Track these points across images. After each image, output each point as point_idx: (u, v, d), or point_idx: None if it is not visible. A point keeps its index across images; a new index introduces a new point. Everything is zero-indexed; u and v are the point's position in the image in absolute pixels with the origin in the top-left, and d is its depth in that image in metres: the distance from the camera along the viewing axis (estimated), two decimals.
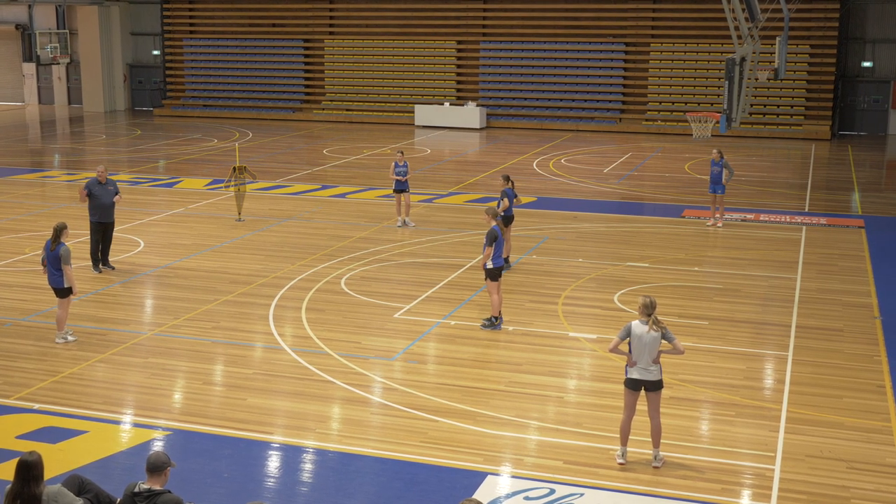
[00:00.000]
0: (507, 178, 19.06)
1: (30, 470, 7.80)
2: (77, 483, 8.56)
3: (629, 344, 10.56)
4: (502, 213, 18.47)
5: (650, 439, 10.75)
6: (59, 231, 14.23)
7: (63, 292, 14.29)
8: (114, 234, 18.84)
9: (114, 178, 29.16)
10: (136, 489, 7.95)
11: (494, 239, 14.93)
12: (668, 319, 15.46)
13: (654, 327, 10.43)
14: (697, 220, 23.40)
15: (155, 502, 7.89)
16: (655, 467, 10.61)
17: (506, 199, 18.51)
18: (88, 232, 18.60)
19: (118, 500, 8.34)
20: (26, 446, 10.37)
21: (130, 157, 34.32)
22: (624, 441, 10.74)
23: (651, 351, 10.44)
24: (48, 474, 8.38)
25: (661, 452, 10.73)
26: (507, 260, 18.15)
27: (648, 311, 10.49)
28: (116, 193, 18.48)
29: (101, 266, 18.36)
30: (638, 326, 10.51)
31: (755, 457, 10.95)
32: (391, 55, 45.67)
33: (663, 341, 10.50)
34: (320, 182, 28.80)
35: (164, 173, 30.27)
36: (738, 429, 11.70)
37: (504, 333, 15.08)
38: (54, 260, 14.15)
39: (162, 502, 7.89)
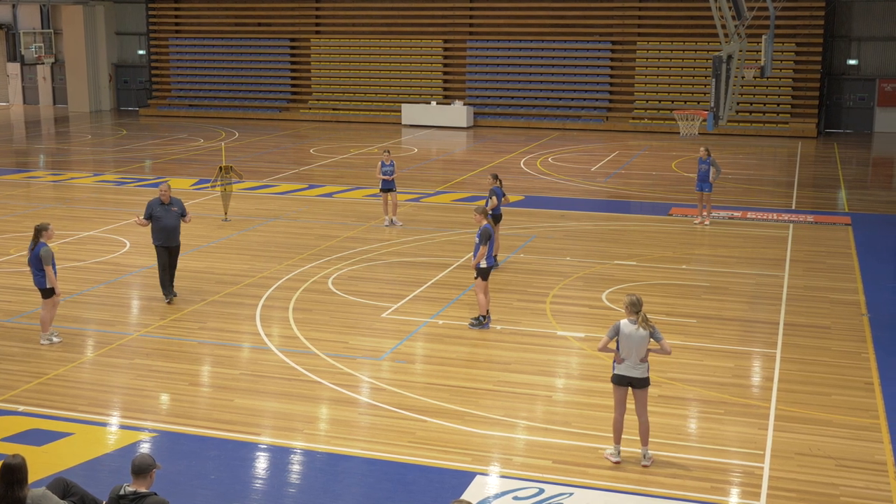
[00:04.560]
0: (495, 177, 19.03)
1: (13, 473, 7.72)
2: (62, 486, 8.48)
3: (617, 342, 10.54)
4: (490, 212, 18.42)
5: (638, 438, 10.72)
6: (39, 231, 14.10)
7: (46, 293, 14.18)
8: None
9: (99, 178, 29.18)
10: (122, 492, 7.87)
11: (489, 237, 14.90)
12: (655, 318, 15.45)
13: (644, 325, 10.41)
14: (685, 219, 23.41)
15: None
16: (644, 466, 10.58)
17: (494, 198, 18.48)
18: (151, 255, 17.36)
19: (104, 502, 8.27)
20: (11, 449, 10.27)
21: (116, 157, 34.16)
22: (617, 439, 10.70)
23: (639, 349, 10.43)
24: (33, 477, 8.30)
25: (649, 451, 10.70)
26: (495, 258, 18.10)
27: (636, 308, 10.48)
28: (183, 214, 16.60)
29: (171, 296, 16.48)
30: (626, 325, 10.48)
31: (744, 455, 10.93)
32: (378, 54, 45.58)
33: (651, 340, 10.48)
34: (307, 181, 28.72)
35: (151, 173, 30.13)
36: (727, 427, 11.68)
37: (492, 332, 15.04)
38: (35, 260, 14.05)
39: None
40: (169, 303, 16.26)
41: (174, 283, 16.56)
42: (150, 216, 16.35)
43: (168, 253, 16.42)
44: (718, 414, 12.06)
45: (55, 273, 14.16)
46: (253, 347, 14.43)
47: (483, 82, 44.29)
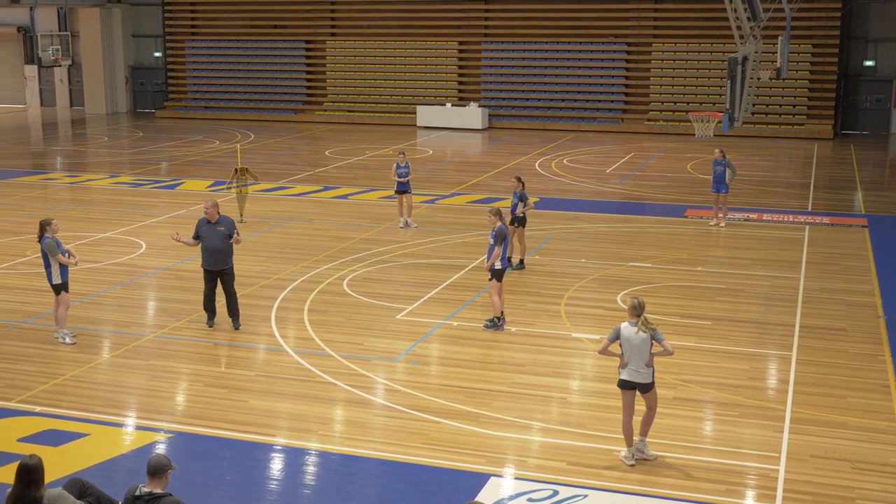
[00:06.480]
0: (518, 179, 19.10)
1: (30, 473, 7.76)
2: (78, 486, 8.52)
3: (620, 346, 10.56)
4: (521, 214, 18.52)
5: (655, 440, 10.71)
6: (43, 226, 14.20)
7: (56, 288, 14.27)
8: (227, 278, 15.14)
9: (115, 179, 29.30)
10: (137, 493, 7.90)
11: (503, 239, 14.92)
12: (670, 320, 15.44)
13: (643, 328, 10.40)
14: (700, 220, 23.35)
15: None
16: (640, 458, 10.59)
17: (530, 200, 18.80)
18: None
19: (119, 503, 8.30)
20: (27, 449, 10.34)
21: (132, 158, 34.31)
22: (629, 442, 10.70)
23: (641, 352, 10.41)
24: (49, 477, 8.33)
25: (646, 441, 10.70)
26: (509, 260, 18.09)
27: (637, 312, 10.48)
28: (229, 235, 14.93)
29: (224, 322, 15.33)
30: (627, 328, 10.49)
31: (759, 457, 10.90)
32: (393, 56, 45.63)
33: (653, 342, 10.47)
34: (322, 183, 28.77)
35: (166, 175, 30.24)
36: (742, 429, 11.65)
37: (506, 334, 15.04)
38: (42, 255, 14.17)
39: None
40: (210, 327, 15.20)
41: (239, 315, 15.23)
42: (197, 235, 15.06)
43: (214, 277, 15.04)
44: (733, 416, 12.03)
45: (66, 255, 14.19)
46: (268, 349, 14.47)
47: (498, 84, 44.28)
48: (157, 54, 50.82)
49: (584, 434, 11.48)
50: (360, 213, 24.26)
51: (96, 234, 21.70)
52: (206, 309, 15.35)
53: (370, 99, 45.91)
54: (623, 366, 10.57)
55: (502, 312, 15.22)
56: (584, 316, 16.04)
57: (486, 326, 15.20)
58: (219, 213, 15.04)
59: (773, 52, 32.35)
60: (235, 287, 15.18)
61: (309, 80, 47.22)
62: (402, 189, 22.33)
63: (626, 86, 43.01)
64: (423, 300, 16.73)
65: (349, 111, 45.80)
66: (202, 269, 15.17)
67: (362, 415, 12.05)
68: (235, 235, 15.00)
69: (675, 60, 42.09)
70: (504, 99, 44.27)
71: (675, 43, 42.04)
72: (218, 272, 15.05)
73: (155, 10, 49.96)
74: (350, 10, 46.43)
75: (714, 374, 13.42)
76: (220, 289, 15.19)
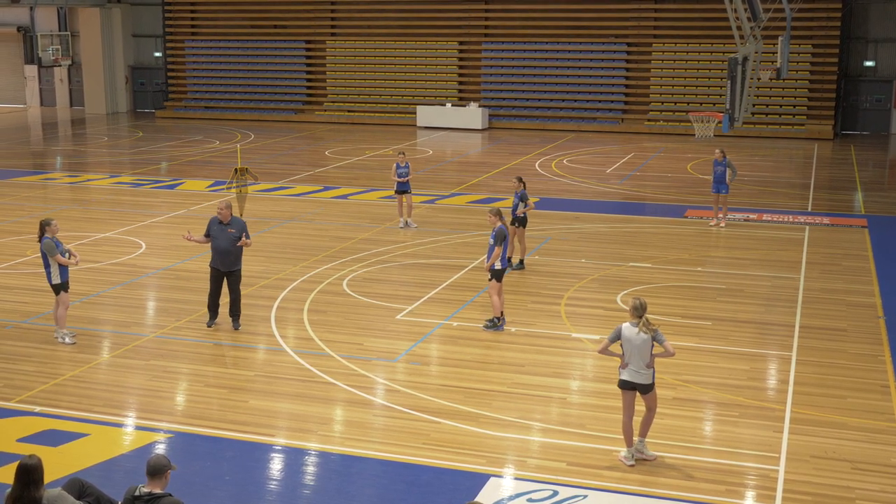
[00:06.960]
0: (519, 180, 19.12)
1: (30, 474, 7.75)
2: (78, 486, 8.52)
3: (621, 346, 10.56)
4: (521, 215, 18.52)
5: (655, 440, 10.70)
6: (43, 226, 14.19)
7: (55, 288, 14.27)
8: (236, 281, 15.17)
9: (115, 179, 29.29)
10: (137, 493, 7.90)
11: (503, 239, 14.93)
12: (670, 320, 15.44)
13: (645, 329, 10.40)
14: (700, 221, 23.34)
15: None
16: (640, 459, 10.58)
17: (531, 200, 18.76)
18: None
19: (119, 503, 8.30)
20: (27, 449, 10.33)
21: (132, 158, 34.31)
22: (629, 443, 10.70)
23: (642, 353, 10.41)
24: (49, 478, 8.33)
25: (645, 442, 10.69)
26: (509, 260, 18.08)
27: (639, 312, 10.48)
28: (239, 237, 14.87)
29: (223, 322, 15.31)
30: (628, 329, 10.49)
31: (759, 458, 10.90)
32: (393, 56, 45.63)
33: (654, 343, 10.47)
34: (322, 183, 28.77)
35: (166, 175, 30.23)
36: (742, 429, 11.65)
37: (506, 334, 15.03)
38: (42, 255, 14.16)
39: None
40: (210, 327, 15.17)
41: (240, 315, 15.24)
42: (208, 234, 15.00)
43: (221, 277, 15.01)
44: (733, 416, 12.03)
45: (67, 255, 14.16)
46: (268, 349, 14.47)
47: (498, 84, 44.28)
48: (157, 54, 50.83)
49: (583, 434, 11.48)
50: (360, 213, 24.26)
51: (96, 234, 21.69)
52: (209, 308, 15.32)
53: (370, 99, 45.91)
54: (623, 366, 10.58)
55: (502, 313, 15.22)
56: (584, 316, 16.03)
57: (486, 327, 15.19)
58: (231, 215, 14.97)
59: (774, 53, 32.35)
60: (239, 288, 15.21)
61: (309, 80, 47.22)
62: (402, 189, 22.33)
63: (627, 86, 43.01)
64: (422, 300, 16.73)
65: (349, 111, 45.79)
66: (210, 268, 15.15)
67: (362, 415, 12.05)
68: (244, 238, 14.92)
69: (675, 61, 42.10)
70: (504, 99, 44.27)
71: (676, 43, 42.04)
72: (226, 273, 15.02)
73: (155, 9, 49.97)
74: (350, 10, 46.43)
75: (714, 374, 13.42)
76: (224, 289, 15.18)
